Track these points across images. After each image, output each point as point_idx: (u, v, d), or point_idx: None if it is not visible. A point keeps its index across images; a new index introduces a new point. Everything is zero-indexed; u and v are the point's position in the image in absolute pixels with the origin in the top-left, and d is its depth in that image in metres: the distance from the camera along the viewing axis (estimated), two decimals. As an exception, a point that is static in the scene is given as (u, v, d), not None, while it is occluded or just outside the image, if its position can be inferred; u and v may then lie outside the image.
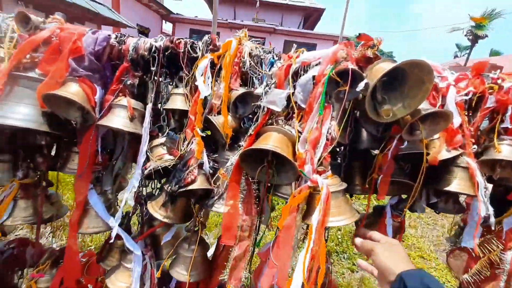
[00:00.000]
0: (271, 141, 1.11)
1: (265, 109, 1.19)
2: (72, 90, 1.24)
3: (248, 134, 1.22)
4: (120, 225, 1.54)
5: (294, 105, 1.18)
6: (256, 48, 1.27)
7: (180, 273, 1.31)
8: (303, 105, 1.18)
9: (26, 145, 1.56)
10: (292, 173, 1.14)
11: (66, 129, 1.41)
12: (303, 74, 1.22)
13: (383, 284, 0.90)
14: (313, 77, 1.17)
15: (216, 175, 1.24)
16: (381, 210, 1.36)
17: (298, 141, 1.15)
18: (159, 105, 1.43)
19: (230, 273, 1.22)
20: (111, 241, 1.50)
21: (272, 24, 18.64)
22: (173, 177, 1.21)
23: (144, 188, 1.54)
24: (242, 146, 1.22)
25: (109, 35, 1.33)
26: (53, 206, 1.74)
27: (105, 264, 1.61)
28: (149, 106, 1.34)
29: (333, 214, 1.02)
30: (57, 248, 1.81)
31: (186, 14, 20.21)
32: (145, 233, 1.46)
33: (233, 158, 1.22)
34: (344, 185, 1.10)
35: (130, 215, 1.59)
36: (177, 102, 1.31)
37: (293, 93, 1.19)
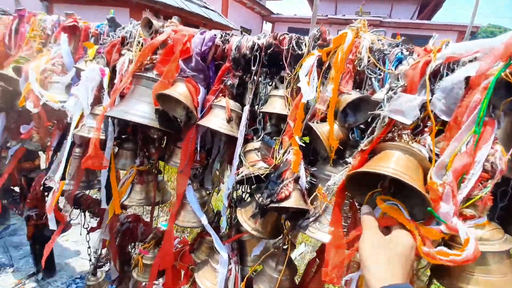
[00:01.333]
0: (393, 163, 0.84)
1: (386, 119, 0.92)
2: (180, 90, 1.29)
3: (359, 149, 0.98)
4: (211, 222, 1.58)
5: (430, 115, 0.87)
6: (379, 40, 1.00)
7: (263, 291, 1.22)
8: (444, 117, 0.86)
9: (144, 137, 1.77)
10: (419, 209, 0.85)
11: (173, 126, 1.50)
12: (446, 75, 0.88)
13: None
14: (466, 79, 0.82)
15: (314, 194, 1.06)
16: None
17: (433, 166, 0.84)
18: (256, 106, 1.35)
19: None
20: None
21: (378, 17, 16.64)
22: (266, 188, 1.10)
23: (235, 191, 1.51)
24: (349, 163, 0.99)
25: (215, 35, 1.32)
26: (159, 192, 1.95)
27: (195, 256, 1.69)
28: (246, 108, 1.27)
29: (491, 284, 0.68)
30: (161, 230, 2.03)
31: (285, 13, 20.39)
32: (232, 237, 1.43)
33: (336, 177, 1.01)
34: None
35: (222, 215, 1.60)
36: (276, 105, 1.19)
37: (430, 100, 0.87)
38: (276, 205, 1.02)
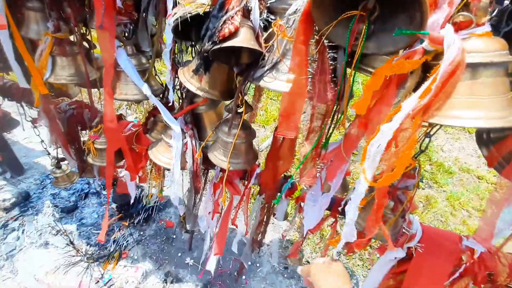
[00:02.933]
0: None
1: None
2: None
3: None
4: (158, 95, 1.34)
5: None
6: None
7: (218, 159, 1.11)
8: None
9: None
10: (407, 28, 0.61)
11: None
12: None
13: None
14: None
15: (270, 31, 0.79)
16: None
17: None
18: None
19: (301, 172, 0.97)
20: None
21: None
22: (206, 30, 0.80)
23: (181, 54, 1.21)
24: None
25: None
26: (97, 70, 1.61)
27: (150, 136, 1.53)
28: None
29: (468, 105, 0.54)
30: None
31: None
32: (184, 109, 1.22)
33: (299, 0, 0.71)
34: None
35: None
36: None
37: None
38: (219, 46, 0.75)
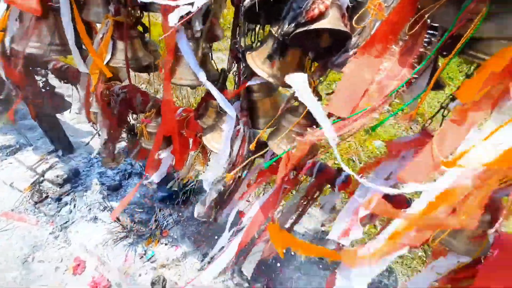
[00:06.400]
0: None
1: None
2: None
3: None
4: (214, 82, 1.31)
5: None
6: None
7: (281, 147, 1.06)
8: None
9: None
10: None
11: None
12: None
13: None
14: None
15: (363, 9, 0.70)
16: None
17: None
18: None
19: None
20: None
21: None
22: (289, 11, 0.74)
23: (243, 38, 1.16)
24: None
25: None
26: (151, 54, 1.62)
27: (202, 122, 1.52)
28: None
29: None
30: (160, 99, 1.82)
31: None
32: (239, 87, 1.18)
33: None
34: None
35: (227, 72, 1.31)
36: None
37: None
38: (305, 28, 0.68)
